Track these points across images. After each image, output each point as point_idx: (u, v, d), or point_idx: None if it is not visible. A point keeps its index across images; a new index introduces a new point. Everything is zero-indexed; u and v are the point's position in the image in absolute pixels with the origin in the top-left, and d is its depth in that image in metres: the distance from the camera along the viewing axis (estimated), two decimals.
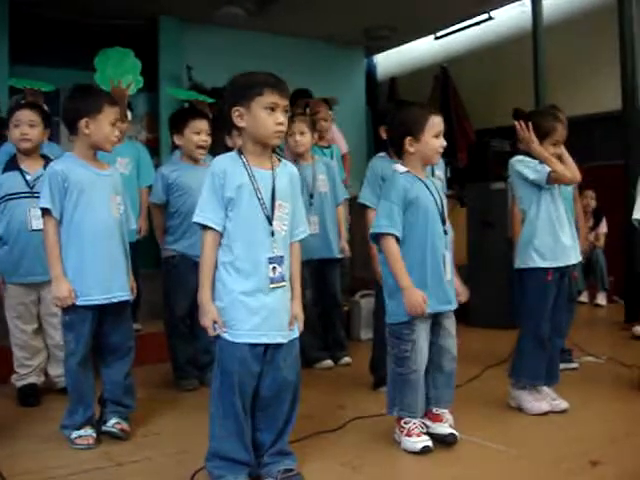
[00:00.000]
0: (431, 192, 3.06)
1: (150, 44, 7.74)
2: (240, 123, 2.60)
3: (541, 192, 3.51)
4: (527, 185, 3.54)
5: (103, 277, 3.09)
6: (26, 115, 3.75)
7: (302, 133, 4.54)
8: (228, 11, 7.45)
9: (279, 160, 2.73)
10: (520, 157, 3.57)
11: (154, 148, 7.35)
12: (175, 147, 4.37)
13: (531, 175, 3.48)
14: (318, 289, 4.65)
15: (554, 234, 3.50)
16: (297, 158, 4.57)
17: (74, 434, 3.12)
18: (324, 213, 4.61)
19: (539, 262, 3.50)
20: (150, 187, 4.78)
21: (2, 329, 4.01)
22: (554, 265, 3.50)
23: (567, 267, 3.55)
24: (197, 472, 2.68)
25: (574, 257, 3.58)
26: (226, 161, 2.64)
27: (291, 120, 4.51)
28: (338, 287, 4.76)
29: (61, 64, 6.76)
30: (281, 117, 2.59)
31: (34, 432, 3.34)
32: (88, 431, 3.13)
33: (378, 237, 3.03)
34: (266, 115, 2.56)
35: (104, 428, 3.19)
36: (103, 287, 3.09)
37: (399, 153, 3.15)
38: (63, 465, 2.90)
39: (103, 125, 3.12)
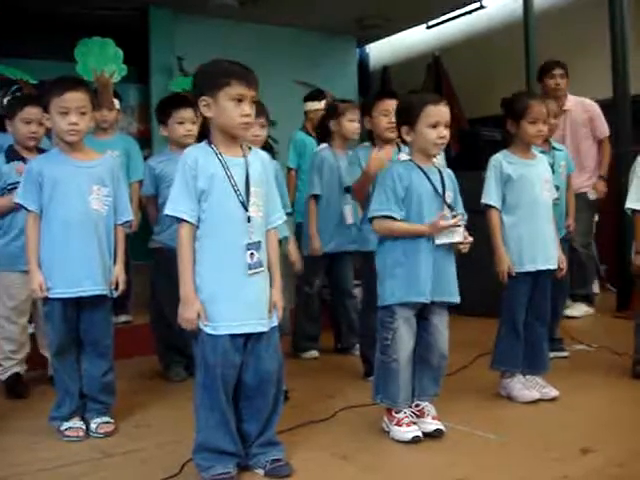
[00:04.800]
0: (431, 181, 3.03)
1: (141, 35, 7.70)
2: (207, 113, 2.59)
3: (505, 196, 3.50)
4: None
5: (72, 270, 3.07)
6: (35, 113, 3.69)
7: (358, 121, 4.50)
8: (219, 1, 7.41)
9: (249, 148, 2.73)
10: (496, 156, 3.56)
11: (146, 140, 7.32)
12: None
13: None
14: (332, 279, 4.69)
15: (519, 238, 3.47)
16: (342, 144, 4.53)
17: (64, 425, 3.13)
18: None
19: None
20: (141, 181, 4.81)
21: None
22: (516, 271, 3.46)
23: (538, 272, 3.50)
24: (187, 462, 2.68)
25: (543, 263, 3.50)
26: (197, 152, 2.63)
27: (351, 106, 4.49)
28: (352, 277, 4.75)
29: (50, 56, 6.71)
30: (247, 109, 2.57)
31: (23, 424, 3.34)
32: (77, 423, 3.15)
33: (371, 222, 3.06)
34: (232, 106, 2.55)
35: (90, 433, 3.17)
36: (71, 280, 3.08)
37: (404, 142, 3.14)
38: (53, 457, 2.91)
39: (53, 116, 3.11)
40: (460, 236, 2.99)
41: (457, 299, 3.11)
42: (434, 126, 2.98)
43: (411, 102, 3.07)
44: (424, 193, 3.01)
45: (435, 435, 3.01)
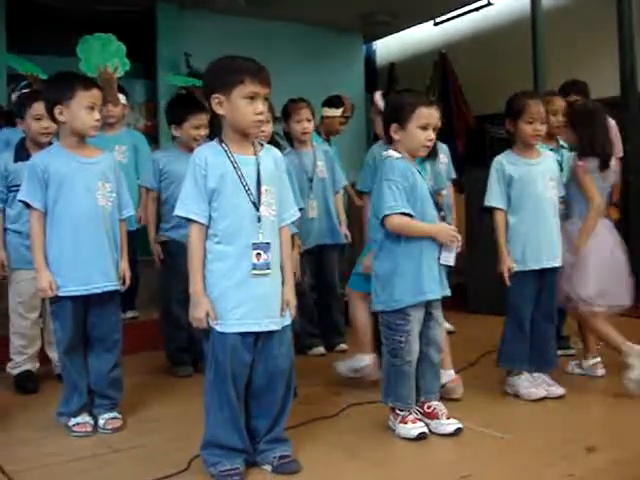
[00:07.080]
0: (424, 179, 3.05)
1: (148, 31, 7.71)
2: (219, 110, 2.59)
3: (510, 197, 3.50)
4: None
5: (83, 267, 3.07)
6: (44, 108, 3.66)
7: (309, 120, 4.52)
8: None
9: (261, 145, 2.72)
10: (497, 158, 3.54)
11: (153, 136, 7.32)
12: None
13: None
14: (316, 276, 4.66)
15: (523, 237, 3.45)
16: (299, 144, 4.57)
17: (72, 421, 3.14)
18: (327, 199, 4.60)
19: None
20: None
21: None
22: (521, 269, 3.44)
23: (543, 270, 3.48)
24: (194, 458, 2.69)
25: (547, 261, 3.47)
26: (207, 151, 2.62)
27: (297, 107, 4.50)
28: (336, 275, 4.74)
29: (58, 52, 6.71)
30: (260, 106, 2.56)
31: (31, 420, 3.35)
32: (85, 418, 3.16)
33: (385, 219, 2.97)
34: (246, 104, 2.54)
35: (98, 429, 3.17)
36: (82, 278, 3.07)
37: (389, 140, 3.11)
38: (60, 452, 2.92)
39: (77, 110, 3.06)
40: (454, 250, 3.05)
41: (449, 292, 3.13)
42: (424, 128, 2.99)
43: (403, 101, 3.05)
44: (424, 191, 3.02)
45: (456, 434, 3.00)
